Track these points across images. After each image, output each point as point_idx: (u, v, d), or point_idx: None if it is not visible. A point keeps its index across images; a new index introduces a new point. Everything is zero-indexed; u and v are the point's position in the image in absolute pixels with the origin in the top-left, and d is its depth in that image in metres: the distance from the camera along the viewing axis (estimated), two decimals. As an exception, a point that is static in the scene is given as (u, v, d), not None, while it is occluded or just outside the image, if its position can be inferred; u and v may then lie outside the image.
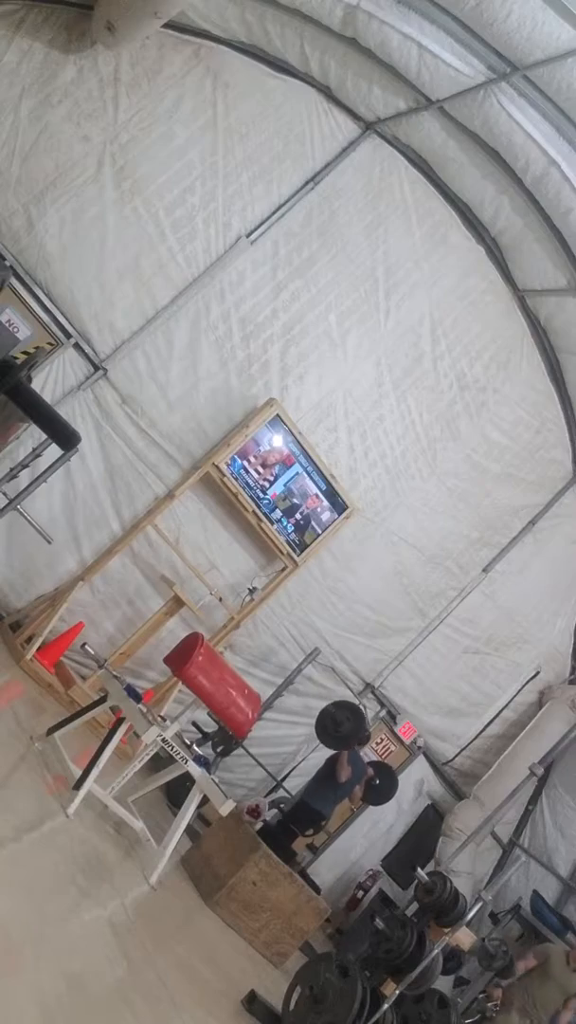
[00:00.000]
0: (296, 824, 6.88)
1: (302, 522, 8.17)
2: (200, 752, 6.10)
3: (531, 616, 9.32)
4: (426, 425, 8.64)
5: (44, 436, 6.30)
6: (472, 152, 7.66)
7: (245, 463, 7.90)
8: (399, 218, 8.30)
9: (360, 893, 8.38)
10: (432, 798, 9.15)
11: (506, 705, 9.33)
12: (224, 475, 7.80)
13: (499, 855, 9.05)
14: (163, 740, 5.37)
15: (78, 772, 5.11)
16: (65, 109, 7.24)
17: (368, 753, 8.65)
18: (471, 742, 9.25)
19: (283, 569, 8.20)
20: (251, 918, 5.82)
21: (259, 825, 6.53)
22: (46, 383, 7.43)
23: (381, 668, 8.91)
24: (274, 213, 7.91)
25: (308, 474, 8.15)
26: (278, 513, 8.07)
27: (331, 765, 6.97)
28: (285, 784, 8.33)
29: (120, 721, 5.42)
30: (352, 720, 6.86)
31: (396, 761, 8.95)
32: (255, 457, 7.95)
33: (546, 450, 9.07)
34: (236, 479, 7.84)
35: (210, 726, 7.35)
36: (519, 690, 9.34)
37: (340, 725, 6.82)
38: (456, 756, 9.23)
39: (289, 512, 8.11)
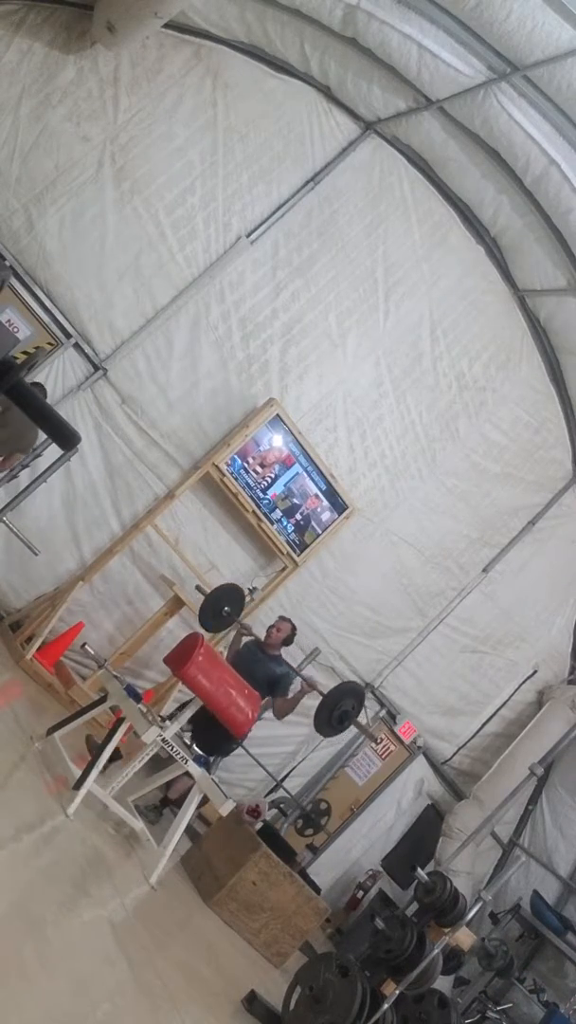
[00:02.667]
0: (211, 743, 6.26)
1: (302, 522, 8.17)
2: (200, 752, 6.10)
3: (529, 615, 9.32)
4: (425, 425, 8.64)
5: (44, 436, 6.31)
6: (472, 152, 7.66)
7: (245, 463, 7.90)
8: (399, 218, 8.31)
9: (360, 893, 8.37)
10: (432, 798, 9.14)
11: (504, 703, 9.33)
12: (224, 475, 7.80)
13: (499, 855, 9.04)
14: (163, 740, 5.37)
15: (78, 772, 5.11)
16: (65, 109, 7.25)
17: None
18: (469, 740, 9.25)
19: (283, 569, 8.20)
20: (251, 918, 5.81)
21: (259, 825, 6.52)
22: (46, 383, 7.42)
23: (381, 668, 8.90)
24: (274, 213, 7.92)
25: (308, 474, 8.15)
26: (278, 513, 8.07)
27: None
28: (285, 784, 8.32)
29: (120, 721, 5.42)
30: (357, 706, 6.51)
31: (396, 761, 8.96)
32: (254, 457, 7.95)
33: (545, 450, 9.07)
34: (236, 479, 7.84)
35: (210, 726, 7.34)
36: (516, 688, 9.34)
37: (346, 714, 6.48)
38: (454, 755, 9.23)
39: (289, 512, 8.11)
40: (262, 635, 7.22)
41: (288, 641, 7.15)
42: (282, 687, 6.92)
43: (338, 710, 6.45)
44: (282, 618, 7.28)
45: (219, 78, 7.66)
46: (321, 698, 6.42)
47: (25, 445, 6.66)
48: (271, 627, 7.13)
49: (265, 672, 6.81)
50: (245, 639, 7.20)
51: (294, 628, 7.18)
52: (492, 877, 8.63)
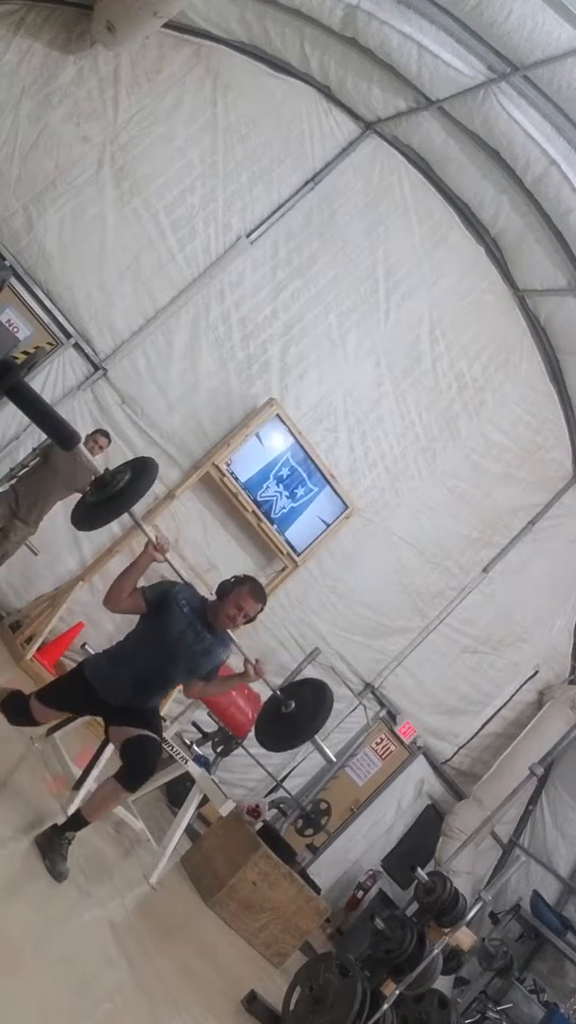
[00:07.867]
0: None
1: (302, 522, 8.16)
2: (200, 752, 6.10)
3: (530, 616, 9.32)
4: (425, 425, 8.64)
5: (44, 436, 6.30)
6: (472, 152, 7.66)
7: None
8: (399, 218, 8.31)
9: (360, 893, 8.37)
10: (432, 798, 9.14)
11: (504, 704, 9.33)
12: (224, 475, 7.79)
13: (499, 855, 9.05)
14: (163, 740, 5.36)
15: (78, 772, 5.11)
16: (65, 109, 7.25)
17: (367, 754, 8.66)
18: (469, 740, 9.26)
19: (283, 569, 8.19)
20: (251, 918, 5.81)
21: (259, 825, 6.51)
22: (46, 383, 7.43)
23: (381, 668, 8.90)
24: (274, 213, 7.92)
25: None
26: (278, 513, 8.06)
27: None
28: (285, 784, 8.32)
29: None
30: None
31: (396, 761, 8.96)
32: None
33: (546, 450, 9.07)
34: (236, 479, 7.84)
35: (210, 726, 7.36)
36: (517, 689, 9.34)
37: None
38: (455, 755, 9.23)
39: (289, 512, 8.11)
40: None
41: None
42: (218, 669, 4.56)
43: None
44: (254, 592, 4.38)
45: (219, 78, 7.66)
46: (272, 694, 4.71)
47: (82, 485, 6.64)
48: (229, 602, 4.32)
49: (212, 661, 4.42)
50: (175, 582, 4.69)
51: (262, 609, 4.51)
52: (492, 877, 8.63)
